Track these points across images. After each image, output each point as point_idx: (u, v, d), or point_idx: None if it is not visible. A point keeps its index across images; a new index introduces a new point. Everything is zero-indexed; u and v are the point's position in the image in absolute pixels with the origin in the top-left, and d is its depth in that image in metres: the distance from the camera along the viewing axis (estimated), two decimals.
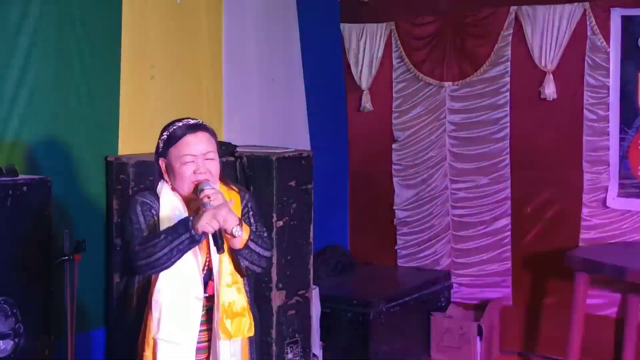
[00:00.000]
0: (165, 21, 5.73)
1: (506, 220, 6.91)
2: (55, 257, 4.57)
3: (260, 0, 6.59)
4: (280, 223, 5.42)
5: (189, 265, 3.36)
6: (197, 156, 3.38)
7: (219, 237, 3.25)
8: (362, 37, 7.41)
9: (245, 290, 3.50)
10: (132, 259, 3.32)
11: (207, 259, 3.45)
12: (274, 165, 5.44)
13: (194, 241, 3.24)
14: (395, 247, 7.40)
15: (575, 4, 6.49)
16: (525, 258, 6.83)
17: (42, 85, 4.90)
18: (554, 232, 6.69)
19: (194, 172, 3.38)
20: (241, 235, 3.29)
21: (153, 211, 3.41)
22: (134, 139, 5.50)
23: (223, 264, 3.41)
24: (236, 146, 5.61)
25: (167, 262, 3.26)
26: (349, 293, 6.59)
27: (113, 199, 5.32)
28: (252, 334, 3.46)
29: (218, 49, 6.18)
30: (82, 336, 5.11)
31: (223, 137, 6.08)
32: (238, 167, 5.43)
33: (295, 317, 5.63)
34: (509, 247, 6.89)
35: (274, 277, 5.41)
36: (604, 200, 6.50)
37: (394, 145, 7.36)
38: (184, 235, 3.22)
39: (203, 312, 3.43)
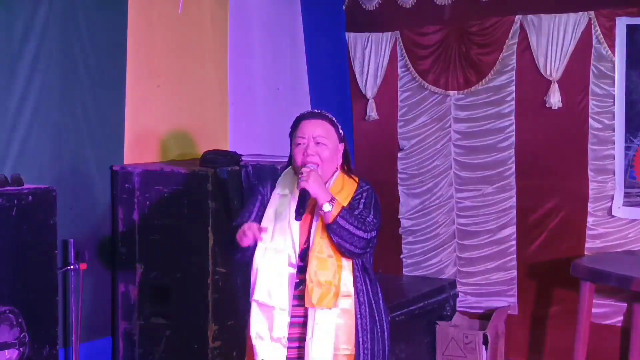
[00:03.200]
0: (170, 31, 5.75)
1: (511, 229, 6.90)
2: (60, 267, 4.60)
3: (266, 9, 6.60)
4: None
5: (285, 235, 3.61)
6: (308, 138, 3.63)
7: (301, 205, 3.48)
8: (367, 46, 7.41)
9: (351, 270, 3.64)
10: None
11: (309, 231, 3.64)
12: (279, 174, 5.45)
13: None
14: (401, 256, 7.39)
15: (581, 13, 6.49)
16: (530, 267, 6.82)
17: (48, 94, 4.92)
18: (559, 241, 6.67)
19: (303, 154, 3.62)
20: (330, 211, 3.49)
21: (259, 196, 3.78)
22: (140, 149, 5.52)
23: (320, 237, 3.59)
24: (241, 155, 5.62)
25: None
26: None
27: (118, 208, 5.33)
28: (329, 306, 3.54)
29: (223, 58, 6.20)
30: (87, 345, 5.12)
31: (228, 146, 6.10)
32: (243, 176, 5.43)
33: None
34: (514, 256, 6.87)
35: None
36: (610, 209, 6.49)
37: (399, 154, 7.35)
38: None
39: (300, 287, 3.61)
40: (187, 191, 5.21)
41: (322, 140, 3.65)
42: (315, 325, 3.55)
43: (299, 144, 3.65)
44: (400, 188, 7.36)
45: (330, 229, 3.52)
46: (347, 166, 3.78)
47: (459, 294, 7.06)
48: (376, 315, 3.71)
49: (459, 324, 6.86)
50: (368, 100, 7.43)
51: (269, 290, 3.60)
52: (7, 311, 4.10)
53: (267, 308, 3.61)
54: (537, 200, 6.77)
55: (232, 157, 5.50)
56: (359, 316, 3.64)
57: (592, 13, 6.45)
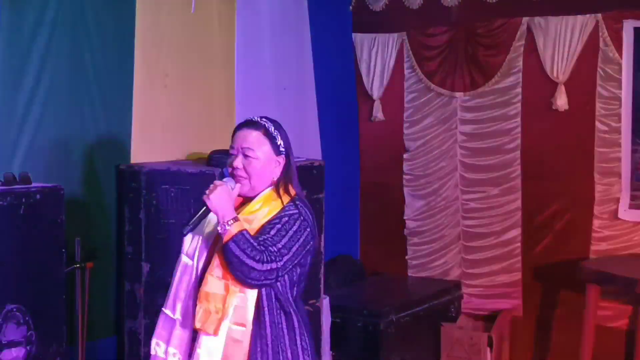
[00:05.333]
0: (178, 31, 5.75)
1: (517, 231, 6.90)
2: (67, 265, 4.60)
3: (273, 9, 6.60)
4: None
5: (195, 245, 3.43)
6: (237, 149, 3.40)
7: (196, 217, 3.32)
8: (373, 47, 7.42)
9: (255, 298, 3.32)
10: None
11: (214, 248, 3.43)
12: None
13: None
14: (406, 257, 7.40)
15: (588, 15, 6.49)
16: (535, 269, 6.82)
17: (56, 93, 4.92)
18: (565, 243, 6.68)
19: (230, 165, 3.41)
20: (225, 233, 3.21)
21: None
22: (147, 148, 5.52)
23: (218, 255, 3.32)
24: None
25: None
26: (359, 303, 6.59)
27: (125, 207, 5.33)
28: (210, 330, 3.26)
29: (231, 59, 6.21)
30: (93, 344, 5.13)
31: None
32: None
33: None
34: (520, 258, 6.88)
35: None
36: (616, 212, 6.49)
37: (405, 155, 7.36)
38: None
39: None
40: (193, 190, 5.20)
41: (250, 153, 3.36)
42: (198, 348, 3.31)
43: (231, 154, 3.41)
44: (405, 189, 7.37)
45: (222, 251, 3.23)
46: (285, 183, 3.43)
47: (464, 295, 7.06)
48: (288, 353, 3.37)
49: (464, 325, 6.86)
50: (374, 101, 7.45)
51: (174, 302, 3.43)
52: (15, 309, 4.10)
53: (171, 320, 3.45)
54: (543, 203, 6.77)
55: None
56: (258, 350, 3.31)
57: (599, 15, 6.46)
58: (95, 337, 5.20)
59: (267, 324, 3.34)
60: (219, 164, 5.25)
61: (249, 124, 3.45)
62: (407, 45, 7.29)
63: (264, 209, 3.36)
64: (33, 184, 4.37)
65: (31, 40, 4.78)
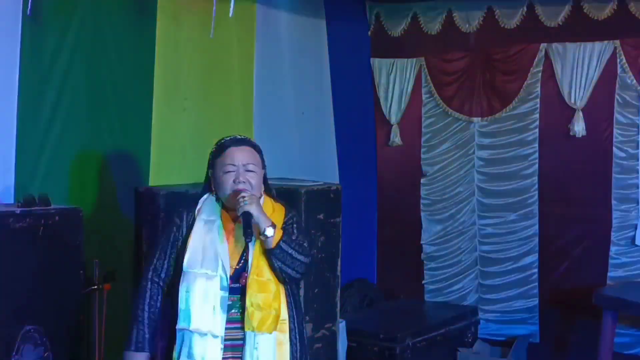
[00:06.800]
0: (198, 55, 5.80)
1: (534, 257, 6.89)
2: (85, 287, 4.61)
3: (292, 34, 6.64)
4: None
5: (215, 260, 3.54)
6: (238, 166, 3.58)
7: (248, 226, 3.44)
8: (392, 72, 7.45)
9: (284, 295, 3.60)
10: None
11: (246, 252, 3.57)
12: (302, 198, 5.45)
13: None
14: (423, 282, 7.39)
15: (606, 42, 6.50)
16: (552, 295, 6.80)
17: (75, 116, 4.96)
18: (582, 269, 6.67)
19: (234, 181, 3.57)
20: (273, 236, 3.46)
21: (174, 228, 3.74)
22: (165, 170, 5.55)
23: (257, 257, 3.54)
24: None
25: None
26: (376, 327, 6.58)
27: (143, 229, 5.35)
28: (269, 330, 3.50)
29: (249, 83, 6.24)
30: None
31: None
32: None
33: (322, 351, 5.62)
34: (537, 283, 6.87)
35: None
36: (633, 239, 6.48)
37: (422, 180, 7.37)
38: None
39: (235, 310, 3.54)
40: None
41: (252, 168, 3.61)
42: (254, 350, 3.49)
43: (229, 171, 3.59)
44: (423, 214, 7.37)
45: (272, 253, 3.49)
46: (269, 191, 3.76)
47: (481, 320, 7.04)
48: (305, 342, 3.71)
49: (481, 351, 6.84)
50: (392, 125, 7.46)
51: (203, 318, 3.52)
52: (32, 330, 4.12)
53: (201, 335, 3.53)
54: (560, 228, 6.76)
55: None
56: (292, 342, 3.62)
57: (617, 42, 6.47)
58: (112, 359, 5.20)
59: (294, 318, 3.64)
60: None
61: (242, 141, 3.69)
62: (425, 71, 7.32)
63: (275, 214, 3.64)
64: (52, 206, 4.40)
65: (51, 64, 4.83)
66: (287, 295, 3.62)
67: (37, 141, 4.77)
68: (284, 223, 3.63)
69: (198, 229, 3.62)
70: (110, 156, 5.24)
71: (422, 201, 7.38)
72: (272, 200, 3.73)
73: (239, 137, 3.73)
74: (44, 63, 4.81)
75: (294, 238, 3.58)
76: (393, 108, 7.46)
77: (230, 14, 4.13)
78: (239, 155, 3.61)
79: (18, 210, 4.20)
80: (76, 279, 4.44)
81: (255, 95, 6.28)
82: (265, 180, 3.73)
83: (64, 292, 4.36)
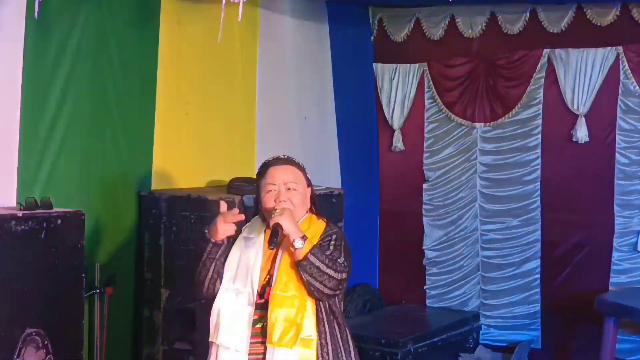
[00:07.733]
0: (201, 59, 5.80)
1: (536, 263, 6.89)
2: (86, 290, 4.62)
3: (295, 39, 6.65)
4: None
5: (246, 277, 3.56)
6: (279, 185, 3.61)
7: (275, 235, 3.45)
8: (394, 77, 7.45)
9: (315, 311, 3.55)
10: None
11: (272, 268, 3.59)
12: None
13: (214, 245, 3.59)
14: (424, 287, 7.39)
15: (609, 48, 6.51)
16: (554, 301, 6.80)
17: (78, 119, 4.97)
18: (584, 275, 6.66)
19: (275, 200, 3.59)
20: (301, 247, 3.44)
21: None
22: (167, 174, 5.56)
23: (283, 272, 3.54)
24: None
25: (203, 271, 3.61)
26: (377, 332, 6.57)
27: (145, 233, 5.36)
28: (289, 345, 3.48)
29: (252, 88, 6.25)
30: None
31: (254, 175, 6.12)
32: None
33: None
34: (539, 289, 6.86)
35: None
36: (635, 245, 6.47)
37: (424, 185, 7.37)
38: (207, 244, 3.60)
39: (260, 324, 3.54)
40: (213, 218, 5.22)
41: (293, 186, 3.63)
42: None
43: (270, 190, 3.61)
44: (425, 219, 7.37)
45: (300, 265, 3.46)
46: (316, 209, 3.75)
47: (483, 326, 7.04)
48: None
49: (482, 356, 6.84)
50: (394, 130, 7.46)
51: (228, 332, 3.55)
52: (34, 333, 4.13)
53: (225, 349, 3.56)
54: (562, 234, 6.76)
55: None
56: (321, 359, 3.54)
57: (620, 48, 6.47)
58: None
59: (327, 334, 3.57)
60: (239, 191, 5.28)
61: (284, 160, 3.72)
62: (428, 76, 7.32)
63: (312, 229, 3.61)
64: (54, 209, 4.41)
65: (54, 67, 4.84)
66: (319, 311, 3.57)
67: (40, 144, 4.78)
68: (322, 239, 3.60)
69: (238, 244, 3.66)
70: (113, 159, 5.25)
71: (424, 206, 7.38)
72: (317, 215, 3.73)
73: (282, 156, 3.75)
74: (46, 67, 4.82)
75: (327, 253, 3.52)
76: (396, 113, 7.46)
77: (239, 18, 4.12)
78: (280, 174, 3.63)
79: (20, 214, 4.22)
80: (78, 283, 4.46)
81: (257, 99, 6.29)
82: (312, 198, 3.74)
83: (66, 295, 4.37)
